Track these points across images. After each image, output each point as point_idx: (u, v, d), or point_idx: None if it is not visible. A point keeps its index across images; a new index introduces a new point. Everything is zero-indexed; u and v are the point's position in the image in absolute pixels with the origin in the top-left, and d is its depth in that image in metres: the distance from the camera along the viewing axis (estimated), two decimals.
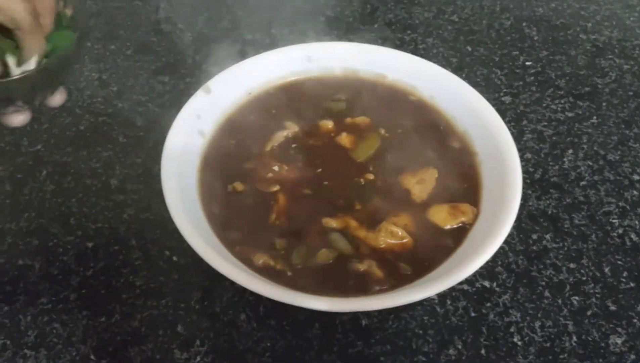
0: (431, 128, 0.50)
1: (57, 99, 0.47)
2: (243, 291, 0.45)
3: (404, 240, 0.42)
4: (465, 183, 0.46)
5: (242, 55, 0.66)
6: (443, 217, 0.43)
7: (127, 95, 0.61)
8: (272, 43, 0.68)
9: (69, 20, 0.46)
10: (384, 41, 0.68)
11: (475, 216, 0.43)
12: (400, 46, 0.68)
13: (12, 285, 0.46)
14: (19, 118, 0.47)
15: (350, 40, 0.68)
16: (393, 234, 0.42)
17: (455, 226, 0.43)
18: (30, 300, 0.45)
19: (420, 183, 0.45)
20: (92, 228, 0.50)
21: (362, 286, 0.40)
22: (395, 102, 0.52)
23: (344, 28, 0.70)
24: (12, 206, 0.51)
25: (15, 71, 0.43)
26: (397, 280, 0.40)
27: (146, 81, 0.63)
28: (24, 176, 0.54)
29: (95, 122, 0.58)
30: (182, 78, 0.63)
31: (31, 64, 0.43)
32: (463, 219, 0.43)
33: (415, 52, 0.67)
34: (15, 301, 0.45)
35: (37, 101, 0.48)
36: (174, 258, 0.48)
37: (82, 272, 0.47)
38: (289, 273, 0.40)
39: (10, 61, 0.43)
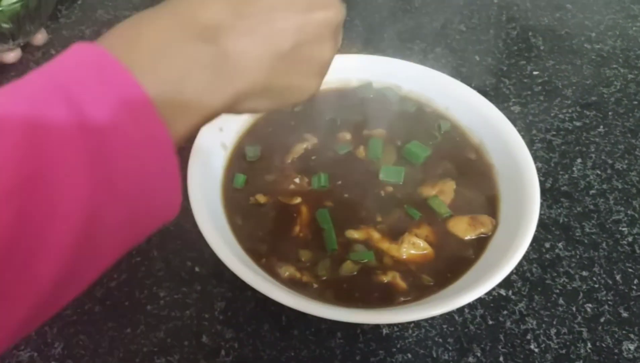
0: (448, 140, 0.51)
1: (39, 38, 0.55)
2: (265, 301, 0.45)
3: (426, 251, 0.43)
4: (483, 195, 0.47)
5: None
6: (463, 228, 0.44)
7: None
8: None
9: None
10: (392, 50, 0.69)
11: (494, 227, 0.45)
12: (410, 55, 0.69)
13: None
14: (10, 55, 0.54)
15: (360, 50, 0.69)
16: (415, 245, 0.43)
17: (474, 237, 0.44)
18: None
19: (440, 195, 0.46)
20: None
21: (386, 297, 0.41)
22: (410, 114, 0.53)
23: (353, 37, 0.71)
24: None
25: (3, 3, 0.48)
26: (420, 292, 0.41)
27: None
28: None
29: None
30: None
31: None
32: (482, 230, 0.44)
33: (424, 61, 0.67)
34: None
35: (22, 38, 0.54)
36: (196, 269, 0.48)
37: (105, 284, 0.47)
38: (315, 285, 0.41)
39: None
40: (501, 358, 0.44)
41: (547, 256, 0.51)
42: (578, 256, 0.51)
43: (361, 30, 0.72)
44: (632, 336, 0.46)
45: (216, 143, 0.48)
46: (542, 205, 0.54)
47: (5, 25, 0.48)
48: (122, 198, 0.25)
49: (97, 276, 0.26)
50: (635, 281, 0.50)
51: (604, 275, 0.50)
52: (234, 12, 0.28)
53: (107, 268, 0.27)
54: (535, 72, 0.68)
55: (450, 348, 0.45)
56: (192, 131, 0.28)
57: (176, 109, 0.26)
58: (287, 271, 0.42)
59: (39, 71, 0.25)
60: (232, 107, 0.30)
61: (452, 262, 0.43)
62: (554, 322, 0.47)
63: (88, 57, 0.25)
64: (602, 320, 0.47)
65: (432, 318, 0.46)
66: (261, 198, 0.46)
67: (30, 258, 0.22)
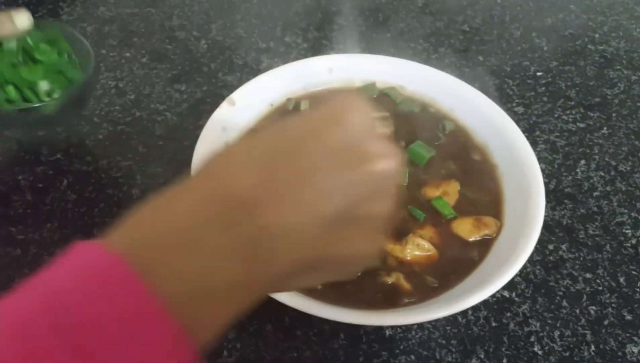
0: (452, 140, 0.51)
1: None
2: (268, 301, 0.45)
3: (430, 252, 0.43)
4: (487, 196, 0.47)
5: (257, 63, 0.66)
6: (467, 230, 0.44)
7: (145, 103, 0.61)
8: (286, 51, 0.68)
9: (78, 64, 0.54)
10: (396, 50, 0.69)
11: (499, 229, 0.44)
12: (413, 55, 0.69)
13: None
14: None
15: (362, 49, 0.69)
16: (419, 246, 0.43)
17: (479, 238, 0.44)
18: None
19: (444, 195, 0.46)
20: None
21: (390, 298, 0.41)
22: (414, 114, 0.53)
23: (357, 37, 0.71)
24: (34, 216, 0.51)
25: (44, 97, 0.51)
26: (424, 293, 0.41)
27: (163, 89, 0.63)
28: (45, 185, 0.54)
29: (114, 131, 0.58)
30: (199, 86, 0.63)
31: (56, 93, 0.51)
32: (487, 231, 0.44)
33: (427, 61, 0.67)
34: None
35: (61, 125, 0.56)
36: None
37: None
38: (319, 286, 0.41)
39: (41, 87, 0.51)
40: (504, 361, 0.44)
41: (551, 258, 0.51)
42: (582, 258, 0.51)
43: (364, 30, 0.72)
44: (635, 339, 0.46)
45: (220, 143, 0.48)
46: (545, 207, 0.54)
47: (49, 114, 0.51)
48: None
49: None
50: (639, 283, 0.49)
51: (608, 278, 0.50)
52: (268, 178, 0.24)
53: None
54: (538, 73, 0.68)
55: (453, 350, 0.44)
56: (225, 326, 0.24)
57: (203, 312, 0.23)
58: None
59: (33, 288, 0.22)
60: (278, 289, 0.26)
61: (457, 263, 0.43)
62: (558, 324, 0.46)
63: (89, 263, 0.22)
64: (605, 322, 0.47)
65: (436, 320, 0.46)
66: None
67: None
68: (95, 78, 0.57)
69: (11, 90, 0.50)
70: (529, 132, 0.61)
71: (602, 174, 0.58)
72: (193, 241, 0.22)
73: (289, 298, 0.37)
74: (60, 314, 0.21)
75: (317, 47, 0.69)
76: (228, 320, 0.24)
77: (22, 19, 0.50)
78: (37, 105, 0.50)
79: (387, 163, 0.26)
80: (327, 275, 0.27)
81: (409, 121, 0.52)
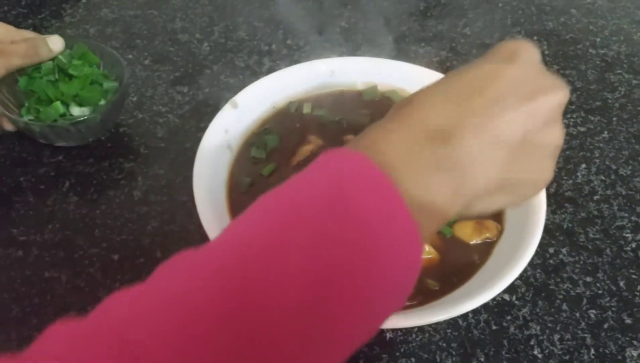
0: None
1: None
2: None
3: (431, 256, 0.43)
4: None
5: (259, 66, 0.67)
6: (468, 233, 0.44)
7: (147, 105, 0.61)
8: (288, 54, 0.68)
9: (111, 75, 0.58)
10: (397, 53, 0.69)
11: (500, 232, 0.44)
12: (415, 58, 0.69)
13: (39, 298, 0.46)
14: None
15: (364, 52, 0.69)
16: None
17: (480, 241, 0.44)
18: (58, 312, 0.45)
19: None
20: (117, 240, 0.50)
21: None
22: None
23: (359, 40, 0.71)
24: (36, 218, 0.51)
25: (76, 112, 0.54)
26: (425, 296, 0.41)
27: (165, 91, 0.63)
28: (47, 187, 0.54)
29: (116, 132, 0.59)
30: (201, 89, 0.63)
31: (86, 111, 0.55)
32: (488, 235, 0.44)
33: (429, 65, 0.67)
34: (43, 314, 0.45)
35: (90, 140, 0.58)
36: None
37: (109, 284, 0.47)
38: None
39: (73, 106, 0.54)
40: None
41: (551, 261, 0.51)
42: (582, 262, 0.51)
43: (367, 33, 0.72)
44: (635, 342, 0.46)
45: (222, 145, 0.48)
46: (546, 210, 0.54)
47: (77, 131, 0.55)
48: (377, 292, 0.26)
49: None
50: (639, 287, 0.50)
51: (608, 281, 0.50)
52: (459, 109, 0.28)
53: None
54: None
55: (454, 353, 0.45)
56: (433, 233, 0.29)
57: (424, 214, 0.27)
58: None
59: (307, 173, 0.27)
60: (466, 210, 0.29)
61: (458, 267, 0.43)
62: (558, 328, 0.47)
63: (355, 164, 0.26)
64: (605, 326, 0.47)
65: (436, 323, 0.46)
66: None
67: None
68: (128, 83, 0.60)
69: (58, 105, 0.54)
70: None
71: (603, 178, 0.58)
72: (415, 157, 0.27)
73: None
74: (336, 203, 0.25)
75: (319, 49, 0.69)
76: (434, 231, 0.29)
77: (55, 42, 0.55)
78: (86, 116, 0.53)
79: (559, 93, 0.30)
80: (505, 200, 0.30)
81: None
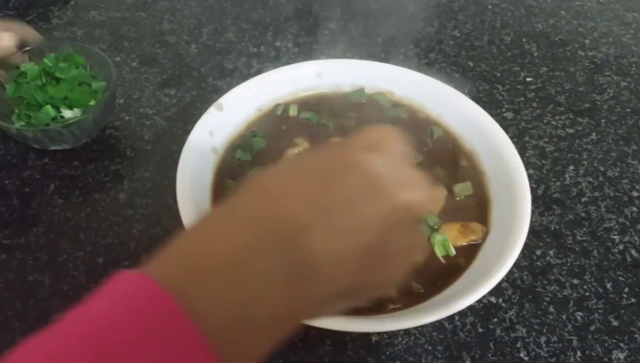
0: (440, 146, 0.51)
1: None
2: None
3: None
4: (474, 201, 0.47)
5: (248, 68, 0.66)
6: (454, 235, 0.44)
7: (134, 108, 0.61)
8: (276, 56, 0.68)
9: (99, 75, 0.57)
10: (387, 55, 0.69)
11: (485, 235, 0.44)
12: (404, 60, 0.69)
13: (22, 302, 0.46)
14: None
15: (354, 54, 0.69)
16: None
17: (465, 244, 0.44)
18: (41, 316, 0.45)
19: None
20: (102, 243, 0.50)
21: (376, 304, 0.40)
22: (403, 120, 0.53)
23: (348, 42, 0.71)
24: (20, 221, 0.51)
25: (68, 115, 0.54)
26: (410, 299, 0.41)
27: (152, 93, 0.63)
28: (32, 189, 0.53)
29: (102, 135, 0.58)
30: (188, 91, 0.63)
31: (78, 113, 0.54)
32: (473, 237, 0.44)
33: (418, 66, 0.68)
34: (26, 318, 0.45)
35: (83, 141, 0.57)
36: None
37: (93, 288, 0.47)
38: None
39: (64, 108, 0.54)
40: None
41: (538, 263, 0.51)
42: (569, 264, 0.51)
43: (355, 35, 0.72)
44: (622, 345, 0.46)
45: (207, 147, 0.48)
46: (533, 212, 0.54)
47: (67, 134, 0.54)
48: None
49: None
50: (626, 289, 0.50)
51: (595, 283, 0.50)
52: (313, 205, 0.24)
53: None
54: (528, 79, 0.68)
55: (439, 356, 0.44)
56: (262, 357, 0.24)
57: (243, 343, 0.23)
58: None
59: (75, 319, 0.22)
60: (314, 317, 0.26)
61: (443, 269, 0.43)
62: (544, 330, 0.46)
63: (133, 296, 0.22)
64: (592, 328, 0.47)
65: (422, 326, 0.46)
66: None
67: None
68: (116, 82, 0.59)
69: (49, 109, 0.53)
70: (518, 137, 0.61)
71: (591, 179, 0.58)
72: (238, 269, 0.22)
73: None
74: (103, 346, 0.20)
75: (308, 52, 0.69)
76: (265, 351, 0.24)
77: (3, 39, 0.54)
78: (78, 117, 0.53)
79: (421, 192, 0.27)
80: (350, 302, 0.27)
81: (397, 127, 0.52)
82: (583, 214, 0.55)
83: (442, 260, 0.43)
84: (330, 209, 0.24)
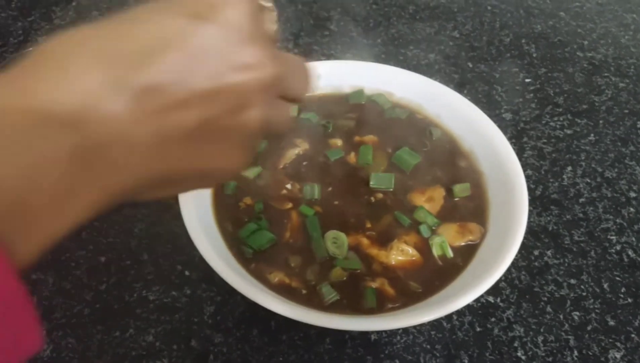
0: (438, 147, 0.51)
1: None
2: (254, 306, 0.46)
3: (414, 258, 0.44)
4: (472, 202, 0.47)
5: None
6: (452, 236, 0.45)
7: None
8: None
9: None
10: (386, 56, 0.70)
11: (483, 235, 0.45)
12: (403, 61, 0.69)
13: None
14: None
15: (353, 55, 0.69)
16: (404, 252, 0.43)
17: (463, 244, 0.45)
18: (44, 314, 0.46)
19: (429, 201, 0.47)
20: (104, 242, 0.50)
21: (375, 303, 0.41)
22: (402, 120, 0.53)
23: (348, 43, 0.72)
24: None
25: None
26: (408, 298, 0.41)
27: None
28: None
29: None
30: None
31: None
32: (471, 237, 0.45)
33: (417, 68, 0.68)
34: None
35: None
36: (186, 273, 0.48)
37: (95, 287, 0.47)
38: (304, 291, 0.41)
39: None
40: None
41: (536, 263, 0.51)
42: (566, 264, 0.51)
43: (354, 36, 0.73)
44: (618, 344, 0.46)
45: None
46: (531, 213, 0.55)
47: None
48: None
49: None
50: (623, 289, 0.50)
51: (592, 283, 0.50)
52: (113, 81, 0.20)
53: None
54: (527, 80, 0.68)
55: (437, 354, 0.45)
56: (51, 243, 0.21)
57: (19, 221, 0.19)
58: (276, 276, 0.42)
59: None
60: (129, 198, 0.22)
61: (441, 269, 0.43)
62: (542, 330, 0.47)
63: None
64: (589, 328, 0.47)
65: (420, 325, 0.46)
66: (248, 200, 0.46)
67: None
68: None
69: None
70: (517, 138, 0.61)
71: (589, 180, 0.58)
72: (10, 144, 0.19)
73: (275, 305, 0.38)
74: None
75: (308, 52, 0.69)
76: (57, 234, 0.21)
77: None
78: None
79: (259, 72, 0.23)
80: (188, 186, 0.25)
81: (397, 128, 0.52)
82: (581, 215, 0.55)
83: (438, 261, 0.43)
84: (131, 89, 0.20)
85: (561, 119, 0.64)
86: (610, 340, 0.47)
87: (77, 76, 0.20)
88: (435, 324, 0.46)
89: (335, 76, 0.54)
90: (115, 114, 0.20)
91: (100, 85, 0.20)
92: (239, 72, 0.23)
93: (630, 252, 0.53)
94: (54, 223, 0.20)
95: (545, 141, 0.62)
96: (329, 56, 0.69)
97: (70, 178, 0.20)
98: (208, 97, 0.22)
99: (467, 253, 0.44)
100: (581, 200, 0.56)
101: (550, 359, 0.45)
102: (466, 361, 0.45)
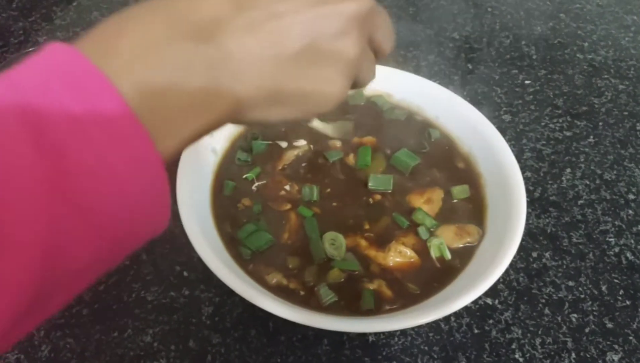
0: (437, 149, 0.51)
1: None
2: (252, 307, 0.46)
3: (412, 260, 0.44)
4: (470, 204, 0.47)
5: None
6: (450, 237, 0.45)
7: None
8: None
9: None
10: (386, 57, 0.70)
11: (481, 237, 0.45)
12: (403, 63, 0.69)
13: None
14: None
15: None
16: (402, 254, 0.43)
17: (461, 246, 0.45)
18: None
19: (428, 203, 0.47)
20: None
21: (372, 305, 0.41)
22: (400, 122, 0.53)
23: None
24: None
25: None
26: (406, 300, 0.41)
27: None
28: None
29: None
30: None
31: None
32: (469, 239, 0.45)
33: (417, 69, 0.68)
34: None
35: None
36: (185, 274, 0.49)
37: (94, 287, 0.47)
38: (302, 292, 0.41)
39: None
40: None
41: (534, 265, 0.51)
42: (565, 266, 0.51)
43: None
44: (616, 347, 0.46)
45: (206, 148, 0.48)
46: (530, 214, 0.55)
47: None
48: (95, 223, 0.21)
49: (68, 301, 0.23)
50: (621, 292, 0.50)
51: (590, 286, 0.50)
52: (235, 5, 0.24)
53: (80, 292, 0.24)
54: (527, 82, 0.68)
55: (435, 356, 0.45)
56: (185, 144, 0.24)
57: (164, 121, 0.23)
58: (274, 277, 0.42)
59: (5, 71, 0.22)
60: (236, 117, 0.26)
61: (439, 271, 0.43)
62: (539, 332, 0.47)
63: (57, 60, 0.21)
64: (587, 330, 0.47)
65: (418, 326, 0.46)
66: (247, 201, 0.46)
67: None
68: None
69: None
70: (516, 140, 0.61)
71: (587, 182, 0.58)
72: (156, 55, 0.22)
73: (273, 306, 0.38)
74: (29, 107, 0.20)
75: None
76: (191, 136, 0.24)
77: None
78: None
79: (357, 4, 0.27)
80: (286, 111, 0.27)
81: (395, 129, 0.53)
82: (579, 217, 0.55)
83: (436, 263, 0.43)
84: (252, 10, 0.24)
85: (560, 121, 0.64)
86: (608, 343, 0.47)
87: (210, 2, 0.24)
88: (433, 326, 0.46)
89: None
90: (239, 29, 0.24)
91: (225, 5, 0.24)
92: (338, 2, 0.26)
93: (628, 254, 0.53)
94: (189, 127, 0.24)
95: (544, 142, 0.62)
96: None
97: (205, 86, 0.23)
98: (315, 18, 0.25)
99: (465, 255, 0.44)
100: (580, 202, 0.56)
101: (547, 361, 0.45)
102: None
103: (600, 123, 0.64)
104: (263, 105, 0.26)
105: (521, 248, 0.52)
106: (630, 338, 0.47)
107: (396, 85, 0.54)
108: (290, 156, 0.49)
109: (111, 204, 0.21)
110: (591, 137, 0.63)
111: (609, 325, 0.48)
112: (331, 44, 0.26)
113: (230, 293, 0.39)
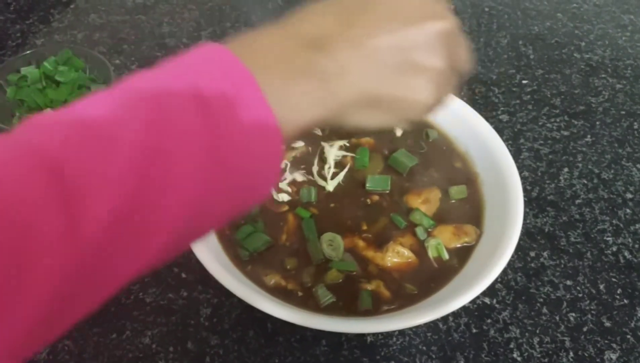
0: (435, 149, 0.51)
1: None
2: (250, 308, 0.46)
3: (410, 260, 0.44)
4: (467, 204, 0.47)
5: None
6: (447, 237, 0.45)
7: None
8: None
9: (99, 78, 0.58)
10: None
11: (478, 237, 0.45)
12: None
13: None
14: None
15: None
16: (399, 254, 0.43)
17: (459, 246, 0.45)
18: None
19: (425, 203, 0.47)
20: None
21: (370, 305, 0.41)
22: None
23: None
24: None
25: None
26: (404, 300, 0.42)
27: None
28: None
29: None
30: None
31: None
32: (466, 239, 0.45)
33: None
34: None
35: None
36: (183, 275, 0.49)
37: None
38: (300, 293, 0.41)
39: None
40: None
41: (532, 265, 0.51)
42: (562, 266, 0.51)
43: None
44: (614, 346, 0.47)
45: None
46: (528, 214, 0.55)
47: None
48: (232, 174, 0.27)
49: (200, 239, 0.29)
50: (619, 291, 0.50)
51: (588, 285, 0.50)
52: (343, 23, 0.29)
53: (209, 231, 0.30)
54: (524, 81, 0.68)
55: (434, 356, 0.45)
56: (296, 132, 0.29)
57: (284, 110, 0.27)
58: (272, 279, 0.42)
59: (169, 61, 0.28)
60: (339, 117, 0.30)
61: (436, 271, 0.43)
62: (537, 331, 0.47)
63: (215, 55, 0.27)
64: (584, 329, 0.47)
65: (417, 326, 0.46)
66: None
67: (144, 230, 0.24)
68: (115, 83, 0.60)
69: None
70: (514, 140, 0.62)
71: (585, 182, 0.58)
72: (281, 59, 0.28)
73: (271, 308, 0.38)
74: (197, 89, 0.26)
75: None
76: (299, 127, 0.29)
77: None
78: None
79: (444, 22, 0.31)
80: (381, 116, 0.31)
81: (393, 130, 0.53)
82: (577, 216, 0.55)
83: (434, 263, 0.44)
84: (356, 27, 0.29)
85: (558, 120, 0.64)
86: (606, 342, 0.47)
87: (320, 19, 0.30)
88: (431, 326, 0.47)
89: None
90: (346, 43, 0.29)
91: (336, 24, 0.29)
92: (431, 20, 0.30)
93: (626, 253, 0.53)
94: (304, 116, 0.29)
95: (542, 142, 0.62)
96: None
97: (319, 85, 0.28)
98: (408, 36, 0.30)
99: (462, 255, 0.44)
100: (577, 201, 0.57)
101: (546, 360, 0.45)
102: (462, 362, 0.45)
103: (598, 122, 0.64)
104: (362, 109, 0.30)
105: (519, 247, 0.52)
106: (628, 336, 0.47)
107: None
108: (288, 157, 0.49)
109: (246, 164, 0.27)
110: (588, 136, 0.63)
111: (607, 324, 0.48)
112: (421, 57, 0.30)
113: (229, 294, 0.39)
